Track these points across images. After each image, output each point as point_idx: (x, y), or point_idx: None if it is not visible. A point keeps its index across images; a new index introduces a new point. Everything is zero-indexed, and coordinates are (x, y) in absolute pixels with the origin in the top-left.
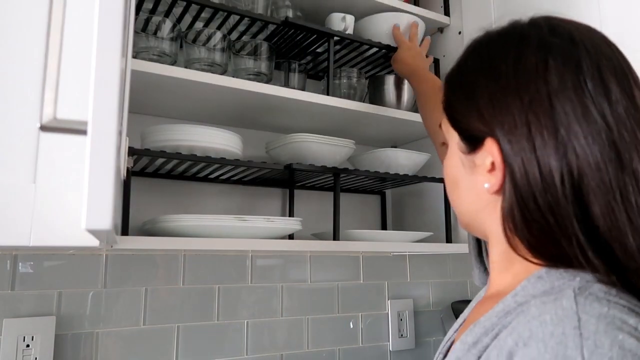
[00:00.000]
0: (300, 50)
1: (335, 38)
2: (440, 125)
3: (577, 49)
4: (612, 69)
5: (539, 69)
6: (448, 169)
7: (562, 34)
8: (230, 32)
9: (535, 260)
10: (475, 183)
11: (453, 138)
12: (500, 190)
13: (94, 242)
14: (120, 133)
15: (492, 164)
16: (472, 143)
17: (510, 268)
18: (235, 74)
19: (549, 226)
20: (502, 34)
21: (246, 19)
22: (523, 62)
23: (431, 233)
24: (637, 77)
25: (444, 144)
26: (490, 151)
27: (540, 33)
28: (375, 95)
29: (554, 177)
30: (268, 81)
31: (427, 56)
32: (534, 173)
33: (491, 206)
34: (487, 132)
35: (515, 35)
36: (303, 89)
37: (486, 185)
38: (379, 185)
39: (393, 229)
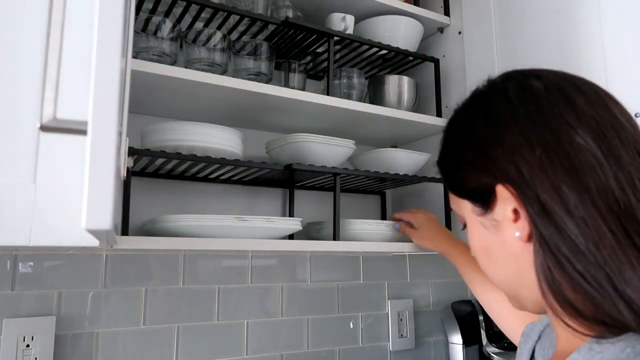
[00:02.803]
0: (300, 50)
1: (335, 38)
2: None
3: (530, 80)
4: (573, 86)
5: (505, 109)
6: (474, 242)
7: (515, 76)
8: (230, 32)
9: (574, 324)
10: (505, 240)
11: (466, 209)
12: (531, 235)
13: (94, 242)
14: (120, 133)
15: (514, 211)
16: (484, 200)
17: (560, 327)
18: (235, 74)
19: (583, 279)
20: (466, 102)
21: (246, 19)
22: (492, 111)
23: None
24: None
25: None
26: (505, 198)
27: (496, 83)
28: (375, 95)
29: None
30: (268, 81)
31: None
32: (552, 210)
33: (528, 259)
34: (493, 181)
35: (476, 97)
36: (303, 89)
37: (517, 234)
38: (379, 185)
39: None
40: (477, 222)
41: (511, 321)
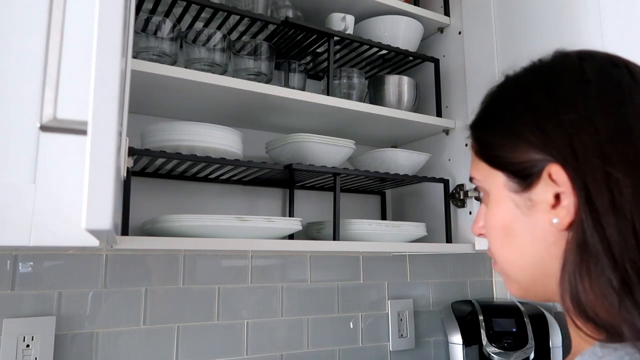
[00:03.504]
0: (300, 50)
1: (335, 38)
2: (471, 179)
3: (615, 67)
4: None
5: (576, 86)
6: (496, 219)
7: (598, 57)
8: (230, 32)
9: (583, 327)
10: (537, 223)
11: (496, 181)
12: (573, 223)
13: (94, 242)
14: (120, 133)
15: (556, 196)
16: (526, 177)
17: (571, 327)
18: (235, 74)
19: (607, 286)
20: (527, 71)
21: (246, 19)
22: (560, 86)
23: (424, 223)
24: None
25: None
26: (552, 180)
27: (570, 59)
28: (375, 95)
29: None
30: (268, 81)
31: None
32: (597, 203)
33: (559, 248)
34: (545, 159)
35: (542, 67)
36: (303, 89)
37: (555, 221)
38: (379, 185)
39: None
40: (507, 198)
41: None
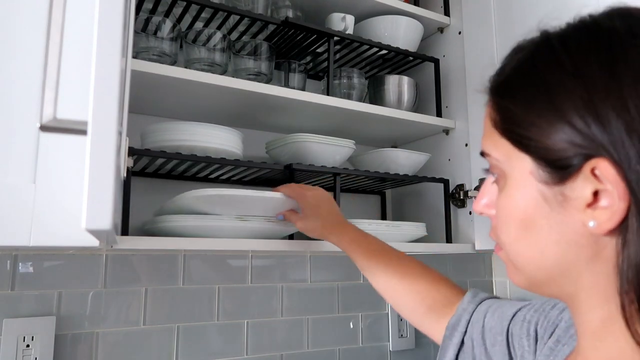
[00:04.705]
0: (300, 50)
1: (335, 38)
2: (483, 153)
3: None
4: None
5: None
6: (512, 207)
7: None
8: (230, 32)
9: None
10: (568, 222)
11: (520, 166)
12: (617, 228)
13: (94, 242)
14: (120, 133)
15: (595, 194)
16: (562, 169)
17: (604, 340)
18: (235, 74)
19: None
20: (578, 29)
21: (246, 19)
22: (626, 58)
23: (424, 223)
24: None
25: None
26: (602, 175)
27: (632, 21)
28: (375, 95)
29: None
30: (268, 81)
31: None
32: None
33: (591, 253)
34: (590, 149)
35: (600, 27)
36: (303, 89)
37: (591, 224)
38: (379, 185)
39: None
40: (533, 188)
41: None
